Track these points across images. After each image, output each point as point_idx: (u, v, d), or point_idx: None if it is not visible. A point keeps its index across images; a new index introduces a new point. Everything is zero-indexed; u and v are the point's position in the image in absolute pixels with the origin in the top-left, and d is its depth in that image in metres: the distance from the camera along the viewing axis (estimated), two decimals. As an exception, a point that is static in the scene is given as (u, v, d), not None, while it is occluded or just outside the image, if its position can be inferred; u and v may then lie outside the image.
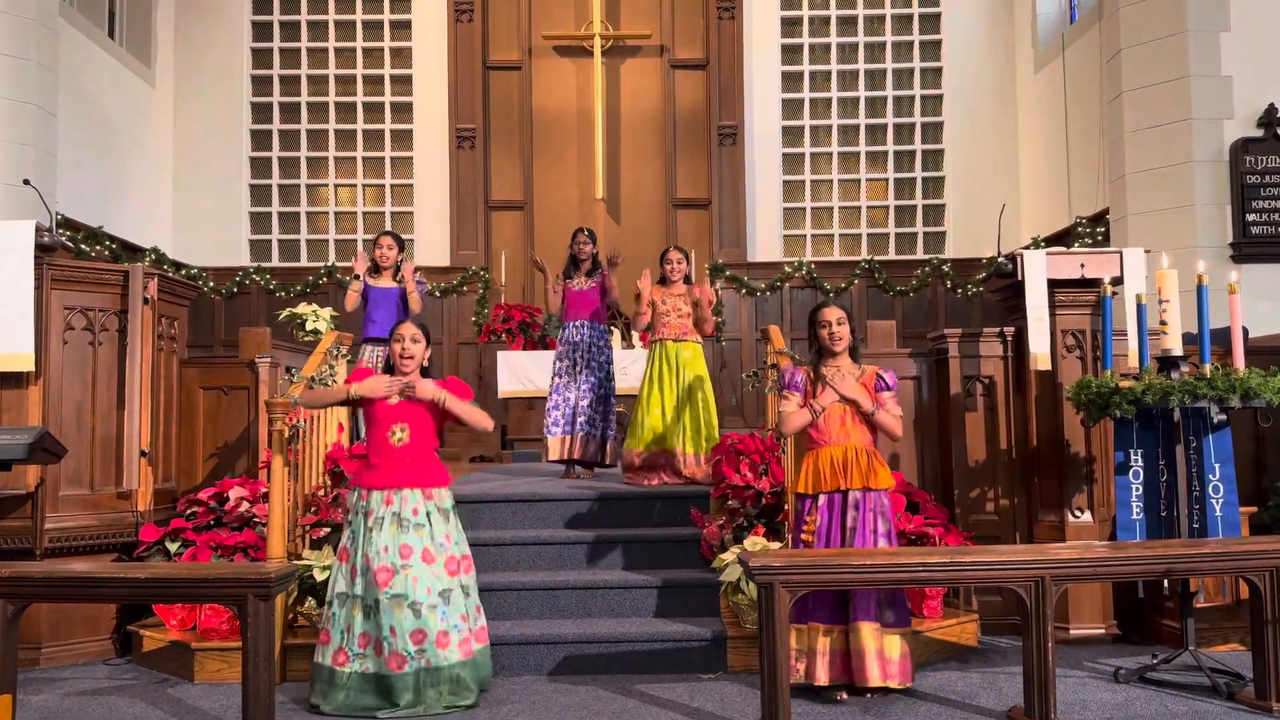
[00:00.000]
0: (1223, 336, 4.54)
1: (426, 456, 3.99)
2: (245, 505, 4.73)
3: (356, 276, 6.12)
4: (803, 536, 4.04)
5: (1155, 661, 4.21)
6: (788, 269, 10.90)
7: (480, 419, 4.03)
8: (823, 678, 3.90)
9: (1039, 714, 3.50)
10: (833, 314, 4.09)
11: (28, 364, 4.52)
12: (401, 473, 3.91)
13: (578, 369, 6.25)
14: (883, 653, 3.88)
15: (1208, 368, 4.22)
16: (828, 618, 3.94)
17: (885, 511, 4.02)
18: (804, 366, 4.17)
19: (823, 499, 4.01)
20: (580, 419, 6.21)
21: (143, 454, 4.83)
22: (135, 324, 4.84)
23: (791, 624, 3.98)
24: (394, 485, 3.90)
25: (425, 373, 4.06)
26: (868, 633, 3.86)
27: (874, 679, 3.84)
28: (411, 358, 3.97)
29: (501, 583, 4.70)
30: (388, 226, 11.18)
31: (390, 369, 4.04)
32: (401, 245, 6.26)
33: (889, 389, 4.10)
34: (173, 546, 4.64)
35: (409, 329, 4.01)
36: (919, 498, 4.96)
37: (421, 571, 3.83)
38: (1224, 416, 4.30)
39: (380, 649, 3.77)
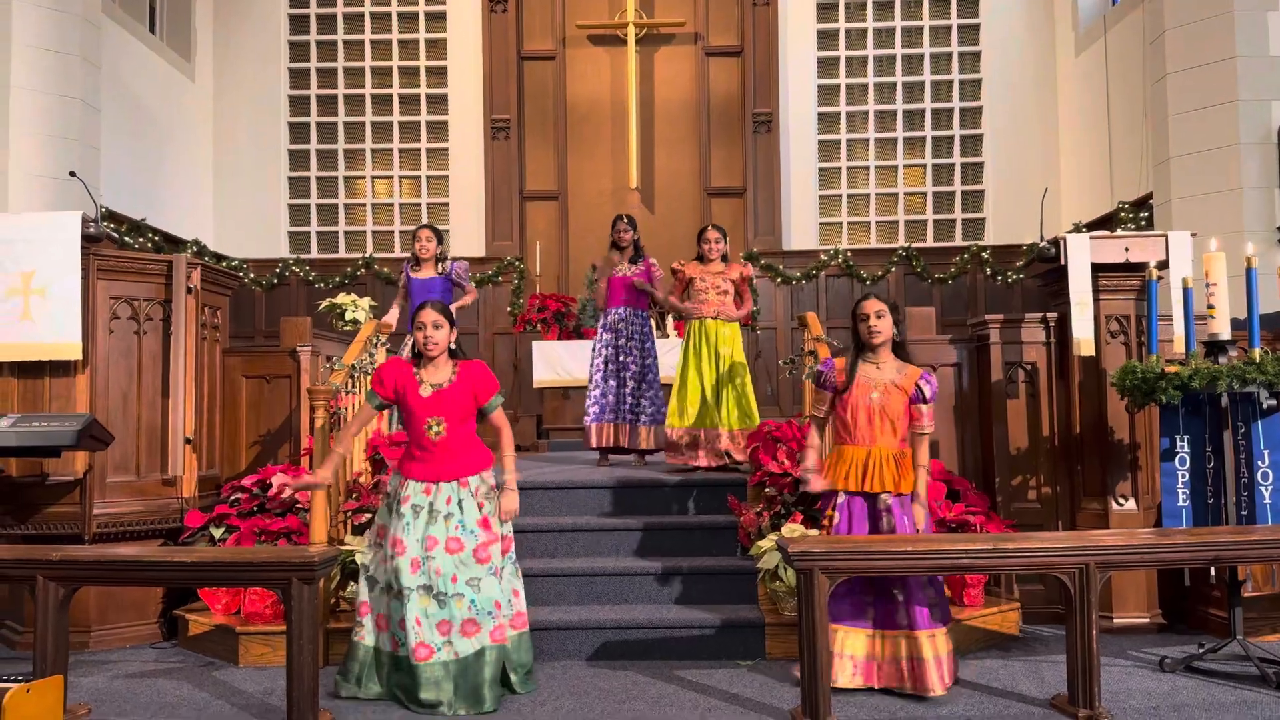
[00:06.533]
0: (1272, 321, 4.45)
1: (465, 444, 3.94)
2: (288, 491, 4.79)
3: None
4: (821, 532, 3.99)
5: (1202, 651, 4.15)
6: (823, 257, 10.83)
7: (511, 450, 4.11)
8: (842, 681, 3.77)
9: (1083, 702, 3.46)
10: (871, 306, 3.94)
11: (75, 353, 4.60)
12: (440, 467, 3.89)
13: (619, 355, 6.24)
14: (939, 658, 3.77)
15: (1257, 352, 4.14)
16: (850, 618, 3.83)
17: (911, 513, 3.93)
18: (840, 358, 4.08)
19: (842, 498, 3.93)
20: (622, 406, 6.20)
21: (187, 441, 4.91)
22: (179, 314, 4.91)
23: None
24: (433, 479, 3.89)
25: (454, 355, 4.01)
26: (926, 640, 3.75)
27: (936, 688, 3.70)
28: (436, 344, 3.92)
29: (540, 569, 4.72)
30: (424, 217, 11.26)
31: (418, 355, 4.00)
32: (440, 238, 6.28)
33: (926, 401, 3.91)
34: (217, 532, 4.71)
35: (430, 315, 3.93)
36: (959, 485, 4.91)
37: (444, 562, 3.78)
38: (1274, 402, 4.21)
39: (409, 638, 3.74)
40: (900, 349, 4.00)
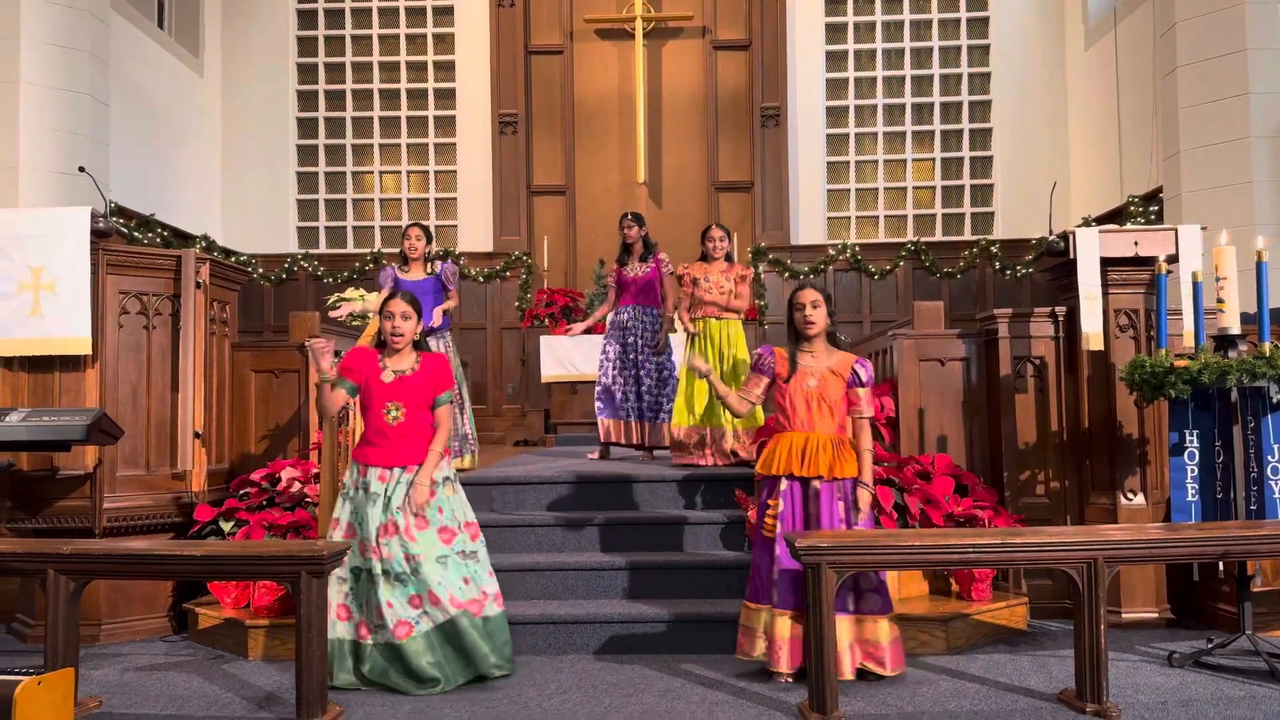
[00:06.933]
0: (1282, 315, 4.44)
1: (421, 432, 4.00)
2: (297, 485, 4.81)
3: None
4: (766, 519, 3.98)
5: (1210, 646, 4.13)
6: (831, 251, 10.81)
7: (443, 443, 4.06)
8: (784, 665, 3.79)
9: (1091, 697, 3.45)
10: (808, 296, 3.98)
11: (85, 348, 4.62)
12: (397, 452, 3.95)
13: (628, 354, 6.24)
14: (865, 641, 3.83)
15: (1267, 346, 4.12)
16: (794, 603, 3.81)
17: (851, 499, 3.91)
18: (781, 349, 4.09)
19: (784, 484, 3.92)
20: (639, 404, 6.21)
21: (196, 436, 4.93)
22: (188, 308, 4.92)
23: (746, 601, 3.98)
24: (389, 464, 3.95)
25: (418, 346, 4.08)
26: (842, 626, 3.76)
27: (845, 672, 3.75)
28: (402, 335, 3.99)
29: (547, 563, 4.73)
30: (432, 213, 11.29)
31: (382, 345, 4.06)
32: (430, 237, 6.22)
33: (862, 385, 3.94)
34: (226, 526, 4.72)
35: (399, 306, 4.00)
36: (967, 480, 4.90)
37: (407, 544, 3.87)
38: (1284, 396, 4.20)
39: (388, 620, 3.84)
40: (832, 338, 4.03)
